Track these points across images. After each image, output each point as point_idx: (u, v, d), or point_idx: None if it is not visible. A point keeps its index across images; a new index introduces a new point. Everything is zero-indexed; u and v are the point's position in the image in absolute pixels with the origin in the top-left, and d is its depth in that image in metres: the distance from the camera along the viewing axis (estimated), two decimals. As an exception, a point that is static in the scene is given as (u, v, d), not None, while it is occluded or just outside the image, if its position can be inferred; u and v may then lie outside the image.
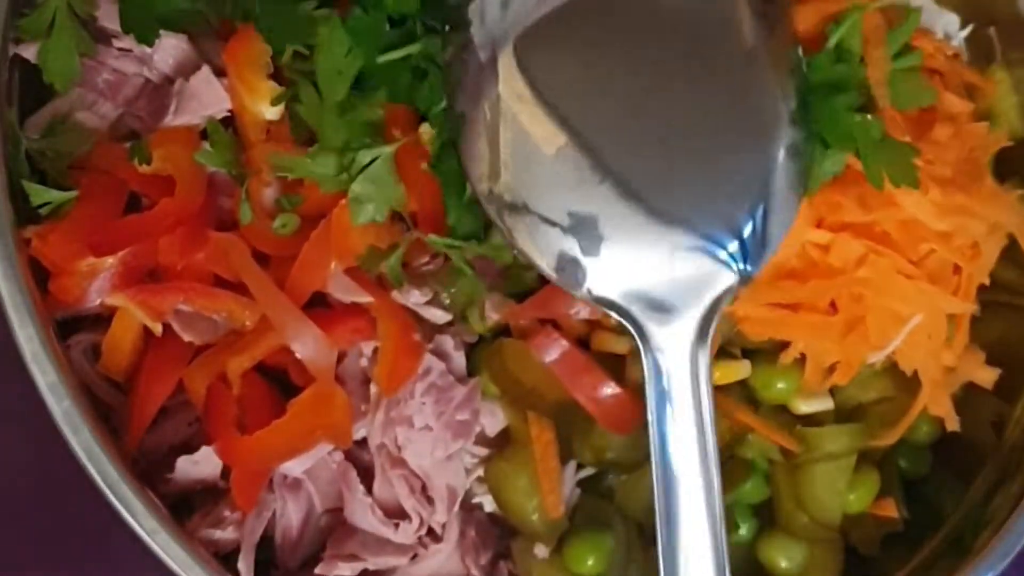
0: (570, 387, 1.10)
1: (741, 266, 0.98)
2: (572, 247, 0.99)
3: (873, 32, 1.10)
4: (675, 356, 0.98)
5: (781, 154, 1.01)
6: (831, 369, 1.14)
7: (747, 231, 0.99)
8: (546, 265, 1.01)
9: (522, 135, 1.00)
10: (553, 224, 0.99)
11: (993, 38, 1.25)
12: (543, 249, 1.00)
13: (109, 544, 1.23)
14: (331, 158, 1.07)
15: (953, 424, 1.17)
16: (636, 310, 0.99)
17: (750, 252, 0.98)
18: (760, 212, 0.99)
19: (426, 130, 1.10)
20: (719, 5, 1.03)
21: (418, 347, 1.10)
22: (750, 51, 1.03)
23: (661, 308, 0.98)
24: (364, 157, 1.06)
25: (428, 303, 1.12)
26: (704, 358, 0.98)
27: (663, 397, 0.98)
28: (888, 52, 1.10)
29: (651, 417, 0.99)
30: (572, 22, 1.01)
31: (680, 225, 0.98)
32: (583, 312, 1.10)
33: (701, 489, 0.97)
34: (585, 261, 0.99)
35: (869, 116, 1.07)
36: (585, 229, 0.98)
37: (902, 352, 1.13)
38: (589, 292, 1.00)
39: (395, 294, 1.11)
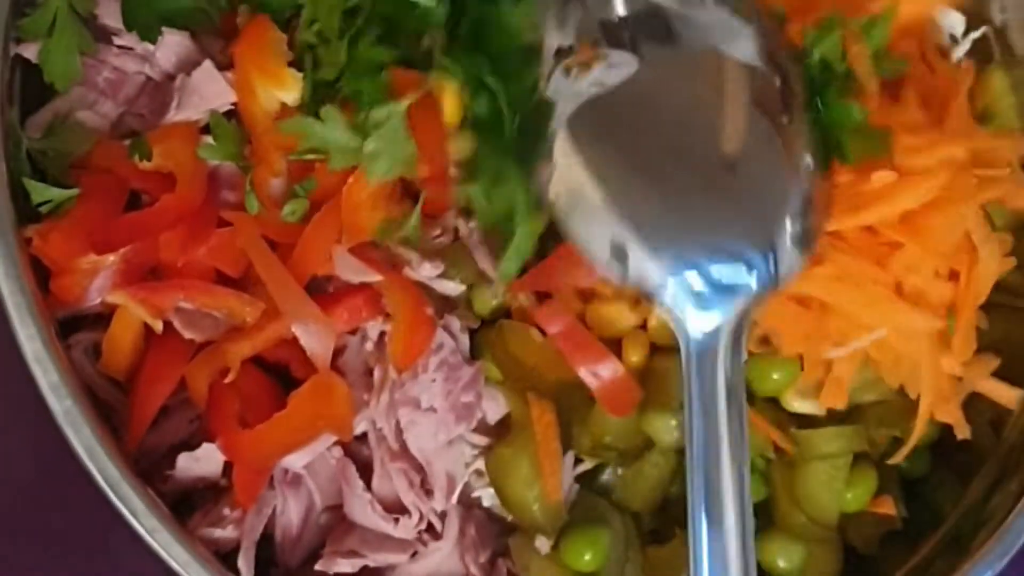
0: (572, 361, 1.11)
1: (767, 276, 1.01)
2: (621, 236, 1.01)
3: (852, 34, 1.12)
4: (711, 353, 1.00)
5: (805, 181, 1.05)
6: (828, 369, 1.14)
7: (776, 243, 1.01)
8: (597, 253, 1.02)
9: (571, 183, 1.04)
10: (602, 221, 1.02)
11: (991, 38, 1.25)
12: (593, 238, 1.03)
13: (110, 543, 1.23)
14: (341, 123, 1.07)
15: (964, 432, 1.17)
16: (675, 304, 1.01)
17: (778, 264, 1.01)
18: (785, 228, 1.02)
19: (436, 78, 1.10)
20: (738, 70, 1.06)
21: (431, 320, 1.11)
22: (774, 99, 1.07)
23: (699, 305, 1.00)
24: (378, 114, 1.07)
25: (440, 276, 1.13)
26: (738, 362, 1.00)
27: (699, 390, 0.99)
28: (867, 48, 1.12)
29: (688, 414, 1.00)
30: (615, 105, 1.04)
31: (714, 234, 1.01)
32: (585, 282, 1.12)
33: (732, 479, 0.98)
34: (631, 257, 1.01)
35: (853, 103, 1.10)
36: (631, 225, 1.01)
37: (888, 367, 1.14)
38: (635, 284, 1.02)
39: (407, 270, 1.12)
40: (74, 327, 1.13)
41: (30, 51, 1.11)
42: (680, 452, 1.16)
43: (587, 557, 1.13)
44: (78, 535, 1.26)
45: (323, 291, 1.12)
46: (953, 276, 1.14)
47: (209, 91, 1.11)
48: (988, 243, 1.13)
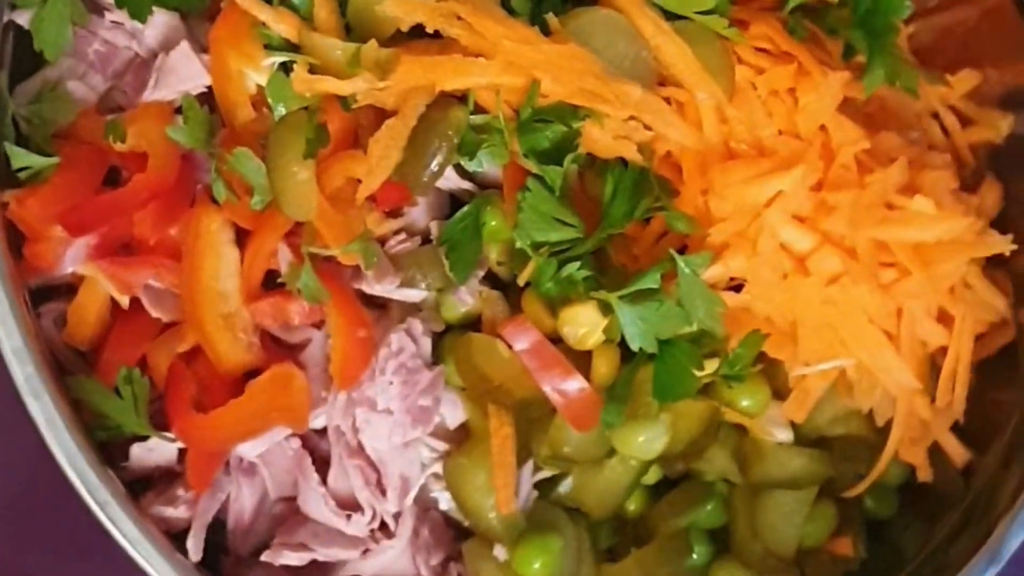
0: (538, 378, 1.09)
1: None
2: None
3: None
4: None
5: None
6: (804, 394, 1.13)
7: None
8: None
9: None
10: None
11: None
12: None
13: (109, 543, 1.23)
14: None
15: (926, 474, 1.16)
16: None
17: None
18: None
19: None
20: None
21: (366, 342, 1.09)
22: None
23: None
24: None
25: (400, 286, 1.12)
26: None
27: None
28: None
29: None
30: None
31: None
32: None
33: None
34: None
35: None
36: None
37: (862, 390, 1.13)
38: None
39: (363, 286, 1.11)
40: (46, 297, 1.13)
41: (23, 18, 1.11)
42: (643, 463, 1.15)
43: (536, 565, 1.12)
44: (72, 533, 1.25)
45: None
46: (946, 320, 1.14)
47: (185, 72, 1.11)
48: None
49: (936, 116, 1.23)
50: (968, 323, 1.13)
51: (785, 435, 1.14)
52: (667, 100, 1.10)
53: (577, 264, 1.07)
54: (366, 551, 1.13)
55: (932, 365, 1.15)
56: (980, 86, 1.24)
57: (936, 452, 1.17)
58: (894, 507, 1.22)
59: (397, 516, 1.13)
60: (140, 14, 1.11)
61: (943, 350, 1.14)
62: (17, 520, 1.27)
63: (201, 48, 1.13)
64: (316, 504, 1.12)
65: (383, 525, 1.13)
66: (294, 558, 1.11)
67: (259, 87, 1.10)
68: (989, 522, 1.12)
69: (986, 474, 1.17)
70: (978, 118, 1.24)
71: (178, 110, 1.11)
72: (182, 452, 1.12)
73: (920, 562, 1.18)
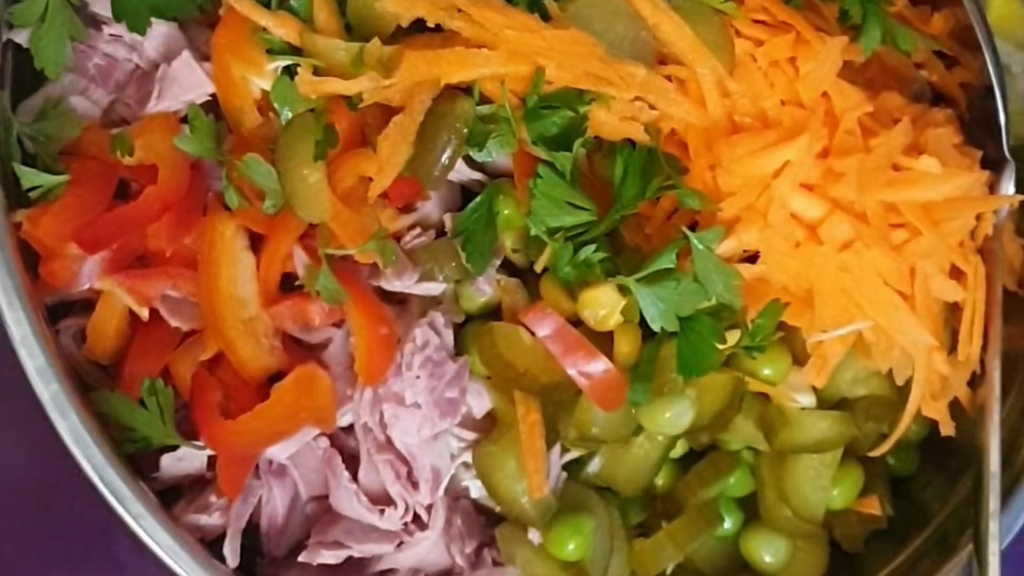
0: (562, 362, 1.10)
1: None
2: None
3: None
4: None
5: None
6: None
7: None
8: None
9: None
10: None
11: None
12: None
13: (109, 541, 1.23)
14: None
15: (948, 428, 1.17)
16: None
17: None
18: None
19: None
20: None
21: (389, 338, 1.10)
22: None
23: None
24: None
25: (419, 280, 1.12)
26: None
27: None
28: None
29: None
30: None
31: None
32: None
33: None
34: None
35: None
36: None
37: (880, 350, 1.13)
38: None
39: (382, 282, 1.11)
40: (64, 313, 1.14)
41: (22, 37, 1.11)
42: (670, 439, 1.16)
43: (571, 546, 1.13)
44: (74, 531, 1.26)
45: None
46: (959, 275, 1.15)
47: (187, 82, 1.11)
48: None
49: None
50: (980, 277, 1.14)
51: (807, 400, 1.15)
52: (668, 78, 1.11)
53: (593, 247, 1.08)
54: (400, 544, 1.14)
55: (946, 320, 1.16)
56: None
57: (953, 406, 1.17)
58: (915, 464, 1.24)
59: (429, 507, 1.13)
60: (139, 26, 1.11)
61: (955, 304, 1.15)
62: (24, 522, 1.28)
63: (202, 56, 1.13)
64: (348, 501, 1.13)
65: (416, 517, 1.14)
66: (330, 556, 1.12)
67: (264, 92, 1.10)
68: (1012, 473, 1.14)
69: (1005, 425, 1.18)
70: (962, 58, 1.24)
71: (184, 120, 1.11)
72: (211, 459, 1.12)
73: (945, 517, 1.20)
